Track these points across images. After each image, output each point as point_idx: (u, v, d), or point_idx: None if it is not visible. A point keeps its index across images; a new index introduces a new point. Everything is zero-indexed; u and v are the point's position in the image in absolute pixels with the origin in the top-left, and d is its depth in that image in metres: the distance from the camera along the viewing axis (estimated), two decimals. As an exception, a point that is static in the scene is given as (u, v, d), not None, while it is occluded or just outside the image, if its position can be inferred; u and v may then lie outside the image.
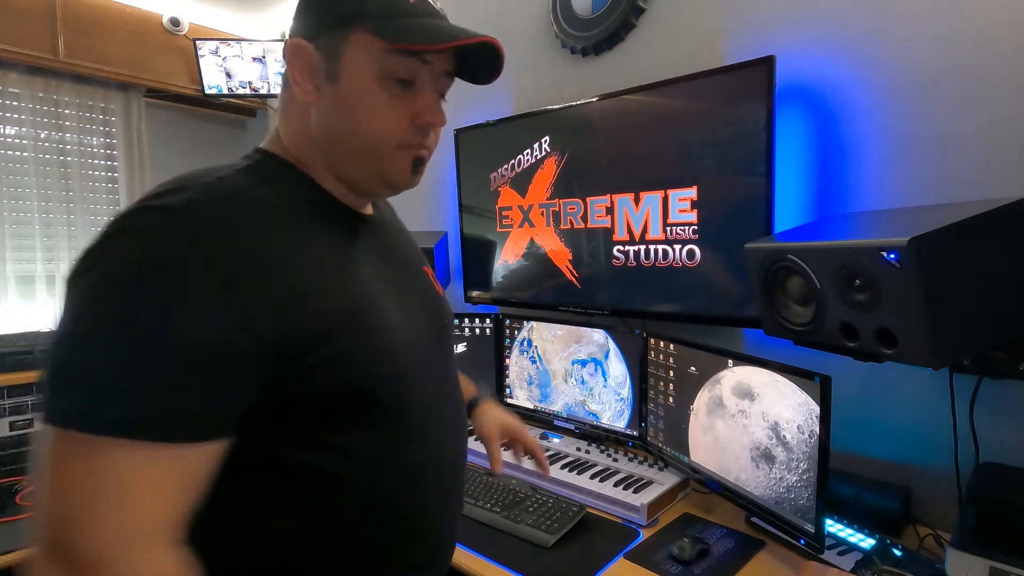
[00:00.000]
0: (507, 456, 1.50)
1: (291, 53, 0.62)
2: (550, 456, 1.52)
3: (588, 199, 1.67)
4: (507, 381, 1.87)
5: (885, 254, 0.80)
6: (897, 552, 1.07)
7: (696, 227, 1.43)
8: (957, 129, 1.16)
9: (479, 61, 0.68)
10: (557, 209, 1.76)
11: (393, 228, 0.79)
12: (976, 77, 1.13)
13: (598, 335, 1.61)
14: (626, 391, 1.55)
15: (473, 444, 1.63)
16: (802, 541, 1.04)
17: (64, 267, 2.83)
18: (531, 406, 1.80)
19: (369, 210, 0.74)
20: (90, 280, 0.49)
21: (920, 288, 0.77)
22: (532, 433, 1.67)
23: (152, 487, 0.48)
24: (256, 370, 0.52)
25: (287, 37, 0.65)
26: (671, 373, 1.39)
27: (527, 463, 1.05)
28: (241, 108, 3.39)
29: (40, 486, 0.48)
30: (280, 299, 0.53)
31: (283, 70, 0.66)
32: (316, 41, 0.62)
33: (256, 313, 0.51)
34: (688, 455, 1.34)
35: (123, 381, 0.47)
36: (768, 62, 1.27)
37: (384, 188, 0.68)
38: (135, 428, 0.46)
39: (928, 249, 0.77)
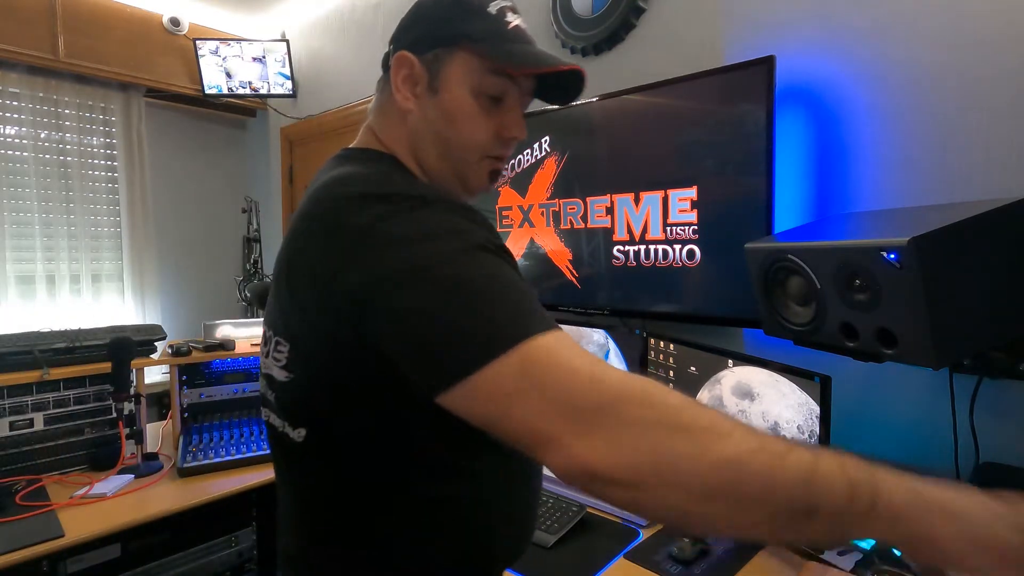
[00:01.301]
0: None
1: (397, 63, 0.69)
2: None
3: (588, 199, 1.67)
4: (507, 381, 1.86)
5: (885, 254, 0.80)
6: (897, 552, 1.07)
7: (696, 227, 1.43)
8: (957, 129, 1.16)
9: (560, 85, 0.74)
10: (557, 209, 1.76)
11: None
12: (976, 77, 1.13)
13: (598, 335, 1.61)
14: (626, 391, 1.55)
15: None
16: (802, 541, 1.04)
17: (64, 267, 2.83)
18: (531, 406, 1.80)
19: None
20: (421, 256, 0.53)
21: (920, 288, 0.77)
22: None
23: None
24: None
25: (390, 47, 0.72)
26: (671, 373, 1.39)
27: None
28: (241, 108, 3.39)
29: (543, 392, 0.47)
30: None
31: (385, 76, 0.73)
32: (422, 55, 0.68)
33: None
34: (688, 455, 1.34)
35: (517, 301, 0.52)
36: (768, 62, 1.27)
37: (462, 191, 0.73)
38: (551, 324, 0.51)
39: (928, 249, 0.77)
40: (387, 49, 0.73)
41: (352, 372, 0.58)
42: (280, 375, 0.63)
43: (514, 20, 0.69)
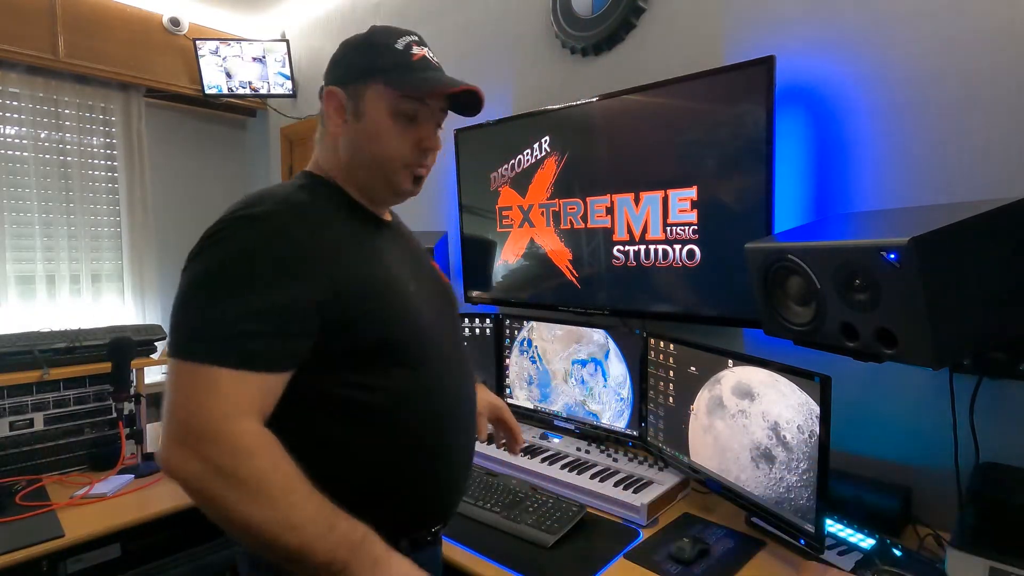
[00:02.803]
0: (500, 455, 1.51)
1: (327, 96, 0.86)
2: (550, 456, 1.52)
3: (588, 199, 1.67)
4: (507, 381, 1.87)
5: (885, 254, 0.80)
6: (897, 552, 1.07)
7: (696, 227, 1.43)
8: (957, 129, 1.16)
9: (466, 100, 0.90)
10: (557, 209, 1.76)
11: (406, 231, 1.02)
12: (976, 77, 1.13)
13: (598, 335, 1.61)
14: (626, 391, 1.55)
15: (485, 449, 1.63)
16: (802, 541, 1.04)
17: (64, 267, 2.83)
18: (531, 406, 1.80)
19: (388, 217, 0.95)
20: (201, 265, 0.71)
21: (920, 288, 0.77)
22: (532, 433, 1.68)
23: (245, 392, 0.68)
24: (313, 321, 0.72)
25: (323, 84, 0.87)
26: (671, 373, 1.39)
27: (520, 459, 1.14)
28: (241, 108, 3.39)
29: (170, 401, 0.67)
30: (331, 273, 0.74)
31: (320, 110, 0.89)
32: (345, 88, 0.84)
33: (314, 283, 0.72)
34: (688, 455, 1.34)
35: (221, 328, 0.68)
36: (768, 62, 1.27)
37: (393, 196, 0.90)
38: (229, 359, 0.68)
39: (928, 249, 0.77)
40: (320, 86, 0.87)
41: None
42: None
43: (419, 52, 0.86)
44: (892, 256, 0.79)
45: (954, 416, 1.13)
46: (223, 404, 0.66)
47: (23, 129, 2.70)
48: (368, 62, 0.84)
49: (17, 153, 2.70)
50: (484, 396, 1.10)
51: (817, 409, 1.01)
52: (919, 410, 1.21)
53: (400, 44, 0.85)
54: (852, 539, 1.11)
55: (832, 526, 1.14)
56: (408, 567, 0.71)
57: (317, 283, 0.73)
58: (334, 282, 0.74)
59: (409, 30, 0.89)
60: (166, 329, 1.85)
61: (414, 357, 0.81)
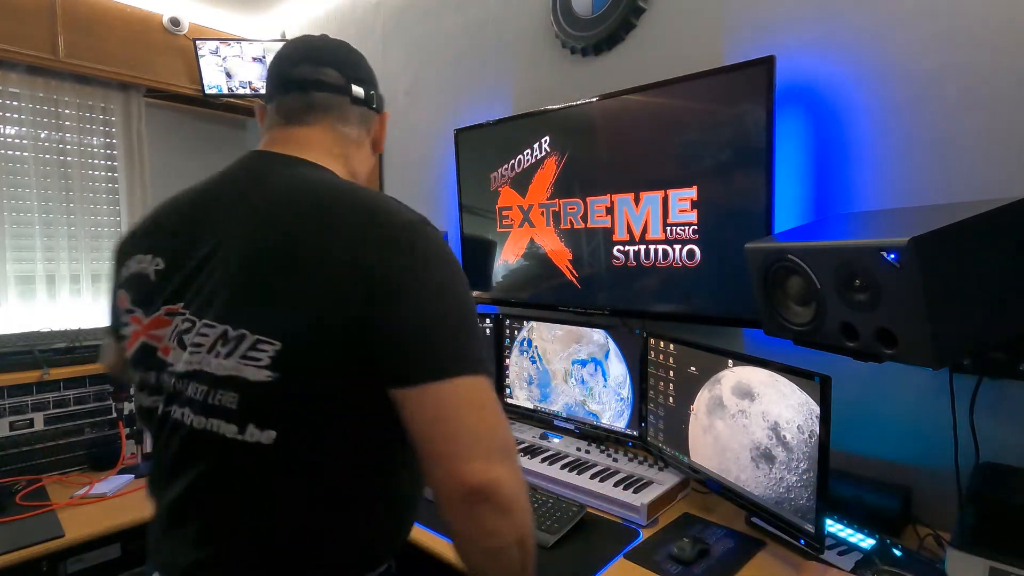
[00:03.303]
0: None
1: (383, 121, 0.92)
2: (550, 456, 1.52)
3: (588, 199, 1.67)
4: (507, 381, 1.87)
5: (885, 254, 0.80)
6: (897, 552, 1.07)
7: (696, 227, 1.43)
8: (957, 129, 1.16)
9: None
10: (557, 209, 1.76)
11: None
12: (976, 77, 1.13)
13: (598, 335, 1.61)
14: (626, 391, 1.55)
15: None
16: (802, 541, 1.04)
17: (64, 267, 2.83)
18: (531, 406, 1.80)
19: None
20: (446, 275, 0.66)
21: (920, 288, 0.77)
22: (532, 433, 1.68)
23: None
24: None
25: (370, 93, 0.87)
26: (671, 373, 1.39)
27: None
28: (241, 108, 3.38)
29: (488, 417, 0.63)
30: None
31: (358, 128, 0.88)
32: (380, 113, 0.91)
33: None
34: (688, 455, 1.34)
35: (481, 340, 0.67)
36: (768, 62, 1.27)
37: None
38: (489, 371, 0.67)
39: (928, 249, 0.77)
40: (373, 96, 0.88)
41: (342, 369, 0.62)
42: (259, 375, 0.62)
43: None
44: (892, 256, 0.79)
45: (954, 416, 1.13)
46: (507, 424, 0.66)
47: (23, 129, 2.70)
48: (380, 93, 0.91)
49: (17, 153, 2.70)
50: None
51: (817, 409, 1.01)
52: (919, 410, 1.21)
53: None
54: (852, 539, 1.11)
55: (832, 526, 1.14)
56: None
57: None
58: None
59: None
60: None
61: None
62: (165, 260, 0.72)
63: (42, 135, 2.76)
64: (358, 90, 0.84)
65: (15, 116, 2.68)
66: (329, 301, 0.60)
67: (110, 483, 1.45)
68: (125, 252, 0.78)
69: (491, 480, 0.59)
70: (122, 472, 1.53)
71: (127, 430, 1.59)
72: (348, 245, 0.61)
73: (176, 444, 0.68)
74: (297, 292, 0.62)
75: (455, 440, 0.60)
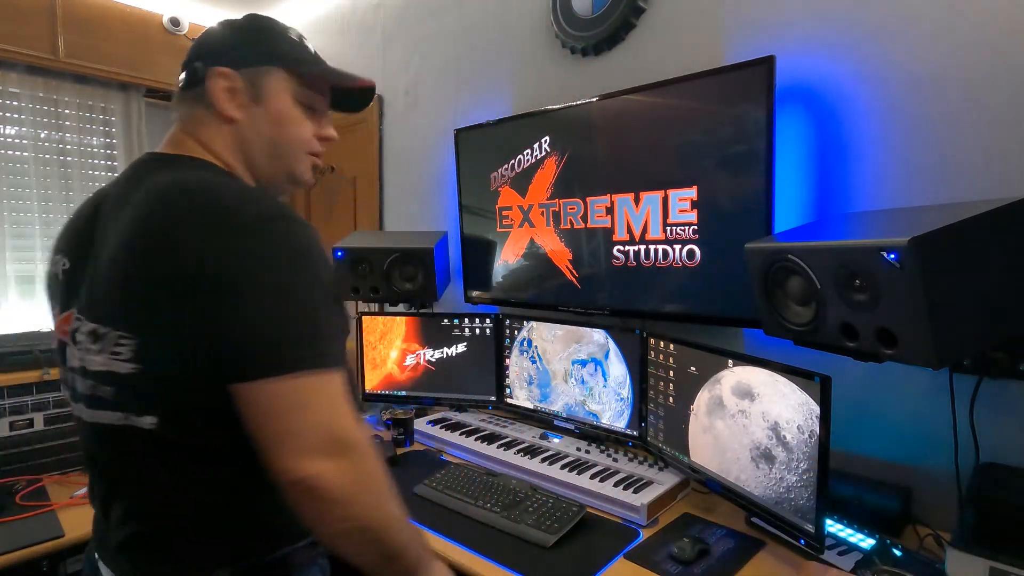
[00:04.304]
0: (501, 455, 1.51)
1: (218, 77, 0.79)
2: (550, 456, 1.52)
3: (588, 199, 1.67)
4: (507, 381, 1.87)
5: (885, 254, 0.80)
6: (897, 552, 1.07)
7: (696, 227, 1.43)
8: (957, 129, 1.16)
9: (352, 97, 0.93)
10: (557, 209, 1.76)
11: None
12: (976, 76, 1.13)
13: (598, 335, 1.61)
14: (626, 391, 1.55)
15: (485, 449, 1.64)
16: (802, 541, 1.04)
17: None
18: (531, 406, 1.80)
19: None
20: (277, 263, 0.65)
21: (920, 288, 0.77)
22: (532, 434, 1.68)
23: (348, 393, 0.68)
24: None
25: (197, 64, 0.81)
26: (671, 373, 1.39)
27: None
28: (241, 108, 3.39)
29: (311, 413, 0.63)
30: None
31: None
32: (238, 71, 0.79)
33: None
34: (688, 455, 1.34)
35: (327, 329, 0.67)
36: (768, 62, 1.27)
37: (291, 186, 0.88)
38: (338, 361, 0.67)
39: (928, 249, 0.77)
40: (195, 67, 0.81)
41: (194, 362, 0.65)
42: (123, 368, 0.67)
43: (311, 46, 0.86)
44: (892, 256, 0.79)
45: (954, 416, 1.13)
46: (351, 409, 0.67)
47: (23, 129, 2.70)
48: (267, 48, 0.81)
49: (17, 153, 2.70)
50: None
51: (817, 409, 1.01)
52: (919, 410, 1.21)
53: (294, 35, 0.85)
54: (852, 539, 1.11)
55: (832, 526, 1.14)
56: (447, 571, 0.77)
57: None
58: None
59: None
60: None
61: None
62: (70, 260, 0.76)
63: (42, 135, 2.76)
64: (182, 76, 0.83)
65: (15, 116, 2.68)
66: (176, 299, 0.63)
67: (110, 483, 1.45)
68: (50, 252, 0.83)
69: (310, 476, 0.61)
70: (122, 472, 1.53)
71: (127, 430, 1.59)
72: (193, 244, 0.63)
73: (83, 437, 0.76)
74: (150, 290, 0.65)
75: (277, 436, 0.62)
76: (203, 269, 0.62)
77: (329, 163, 2.89)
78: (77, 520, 1.29)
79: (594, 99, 1.63)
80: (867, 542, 1.10)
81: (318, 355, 0.64)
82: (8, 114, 2.67)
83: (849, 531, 1.14)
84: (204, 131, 0.81)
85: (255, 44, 0.82)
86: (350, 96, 0.92)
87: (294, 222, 0.68)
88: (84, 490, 1.42)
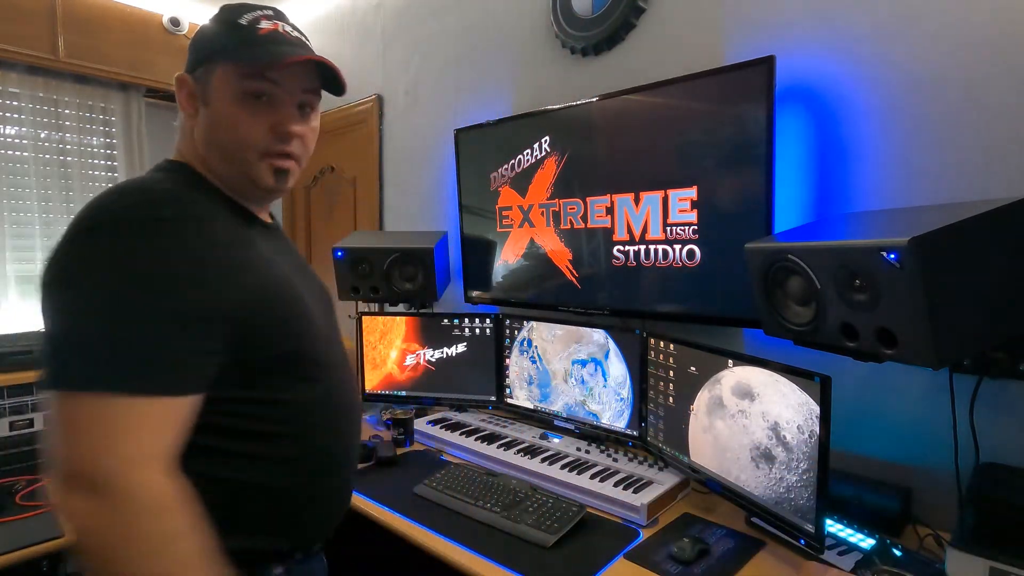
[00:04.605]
0: (501, 455, 1.51)
1: (177, 84, 0.81)
2: (550, 456, 1.52)
3: (588, 199, 1.67)
4: (507, 381, 1.87)
5: (885, 254, 0.80)
6: (897, 552, 1.07)
7: (696, 227, 1.43)
8: (957, 129, 1.16)
9: (330, 78, 0.82)
10: (557, 209, 1.76)
11: (285, 235, 0.96)
12: (977, 77, 1.13)
13: (598, 335, 1.61)
14: (626, 391, 1.55)
15: (485, 449, 1.64)
16: (802, 541, 1.04)
17: (64, 267, 2.83)
18: (531, 406, 1.80)
19: (267, 219, 0.90)
20: (78, 275, 0.64)
21: (920, 288, 0.77)
22: (532, 434, 1.68)
23: (150, 425, 0.62)
24: (217, 333, 0.66)
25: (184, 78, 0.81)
26: (671, 373, 1.39)
27: None
28: (241, 108, 3.39)
29: (57, 435, 0.60)
30: (231, 278, 0.69)
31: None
32: (193, 73, 0.79)
33: (214, 290, 0.67)
34: (688, 455, 1.34)
35: (118, 346, 0.61)
36: (768, 62, 1.27)
37: (258, 192, 0.82)
38: (128, 382, 0.61)
39: (928, 249, 0.77)
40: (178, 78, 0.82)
41: None
42: None
43: (268, 26, 0.78)
44: (892, 256, 0.79)
45: (954, 416, 1.13)
46: (126, 445, 0.59)
47: (23, 129, 2.70)
48: (211, 43, 0.77)
49: (17, 153, 2.70)
50: None
51: (817, 409, 1.01)
52: (919, 410, 1.21)
53: (246, 19, 0.77)
54: (852, 539, 1.11)
55: (832, 526, 1.14)
56: None
57: (217, 290, 0.67)
58: (238, 289, 0.69)
59: (265, 5, 0.81)
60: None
61: (317, 369, 0.79)
62: None
63: (42, 135, 2.76)
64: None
65: (15, 116, 2.68)
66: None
67: (110, 483, 1.45)
68: None
69: (58, 504, 0.59)
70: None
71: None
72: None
73: None
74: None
75: (49, 453, 0.60)
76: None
77: (329, 163, 2.89)
78: (77, 520, 1.29)
79: (594, 99, 1.63)
80: (867, 542, 1.10)
81: (92, 376, 0.59)
82: (8, 114, 2.67)
83: (849, 531, 1.14)
84: (181, 135, 0.83)
85: (203, 41, 0.79)
86: (331, 77, 0.82)
87: (128, 231, 0.64)
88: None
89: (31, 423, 1.53)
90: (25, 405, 1.52)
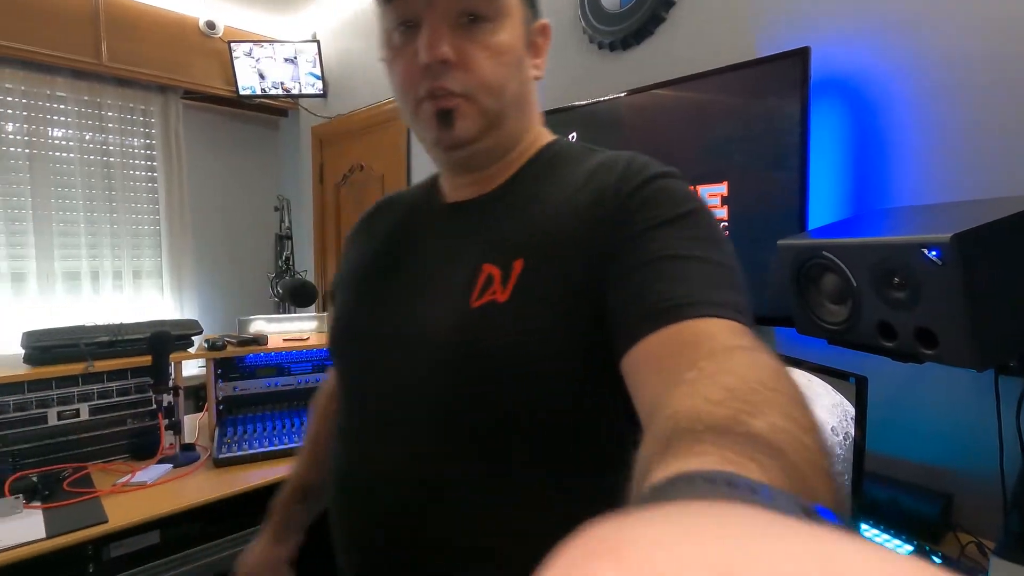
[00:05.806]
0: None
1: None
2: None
3: (616, 195, 1.65)
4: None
5: (926, 251, 0.77)
6: (936, 560, 1.04)
7: (726, 223, 1.41)
8: (1000, 120, 1.11)
9: None
10: (584, 206, 1.75)
11: (482, 217, 0.65)
12: (1018, 65, 1.08)
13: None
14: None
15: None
16: (835, 545, 1.02)
17: (108, 264, 2.94)
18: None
19: (465, 194, 0.67)
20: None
21: (962, 286, 0.75)
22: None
23: None
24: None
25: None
26: (700, 372, 1.37)
27: None
28: (274, 108, 3.46)
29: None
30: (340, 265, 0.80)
31: None
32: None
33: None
34: (717, 455, 1.32)
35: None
36: (803, 54, 1.23)
37: (437, 151, 0.64)
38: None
39: (971, 246, 0.74)
40: None
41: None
42: None
43: None
44: (933, 253, 0.76)
45: (999, 419, 1.09)
46: None
47: (69, 131, 2.82)
48: None
49: (64, 155, 2.82)
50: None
51: (852, 410, 0.98)
52: (961, 412, 1.17)
53: None
54: (889, 545, 1.08)
55: (867, 531, 1.11)
56: (254, 558, 0.86)
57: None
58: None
59: None
60: (202, 324, 1.88)
61: (340, 372, 0.73)
62: None
63: (87, 137, 2.88)
64: None
65: (62, 119, 2.80)
66: None
67: (150, 472, 1.51)
68: None
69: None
70: (161, 461, 1.59)
71: (166, 421, 1.64)
72: None
73: None
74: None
75: None
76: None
77: (359, 161, 2.93)
78: (120, 507, 1.34)
79: (622, 94, 1.61)
80: (905, 548, 1.07)
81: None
82: (56, 117, 2.79)
83: (885, 537, 1.10)
84: None
85: None
86: None
87: None
88: (126, 478, 1.48)
89: (77, 413, 1.60)
90: (72, 396, 1.59)
